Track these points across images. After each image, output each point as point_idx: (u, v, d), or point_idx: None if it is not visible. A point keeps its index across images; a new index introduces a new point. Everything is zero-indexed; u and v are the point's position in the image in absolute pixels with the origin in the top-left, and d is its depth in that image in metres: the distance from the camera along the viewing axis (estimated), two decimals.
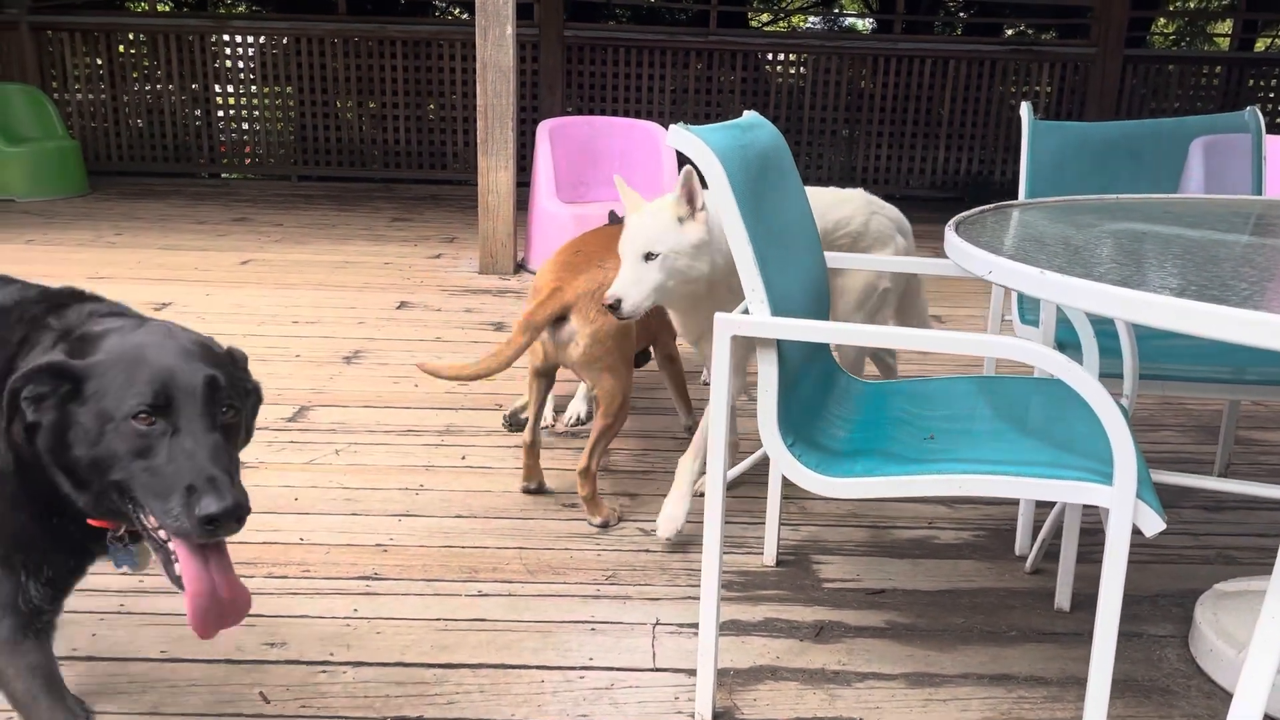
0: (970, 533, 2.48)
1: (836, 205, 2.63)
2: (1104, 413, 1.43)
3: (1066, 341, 2.32)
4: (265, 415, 3.11)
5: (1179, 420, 3.34)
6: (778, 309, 1.62)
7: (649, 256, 2.14)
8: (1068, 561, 2.12)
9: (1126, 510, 1.44)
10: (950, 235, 1.71)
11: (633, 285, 2.14)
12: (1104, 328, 2.12)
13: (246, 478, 2.75)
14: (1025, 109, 2.64)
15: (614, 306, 2.15)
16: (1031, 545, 2.34)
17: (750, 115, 1.94)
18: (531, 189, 5.53)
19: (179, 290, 4.74)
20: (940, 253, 1.85)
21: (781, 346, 1.63)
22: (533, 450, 2.60)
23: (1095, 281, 1.34)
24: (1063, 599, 2.13)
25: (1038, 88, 8.90)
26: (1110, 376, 2.18)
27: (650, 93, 8.76)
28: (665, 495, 2.52)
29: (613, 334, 2.41)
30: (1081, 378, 1.44)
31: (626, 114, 8.67)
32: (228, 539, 1.29)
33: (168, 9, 10.74)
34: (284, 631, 1.97)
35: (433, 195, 8.19)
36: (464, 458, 2.86)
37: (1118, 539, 1.45)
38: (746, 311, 1.64)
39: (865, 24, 12.42)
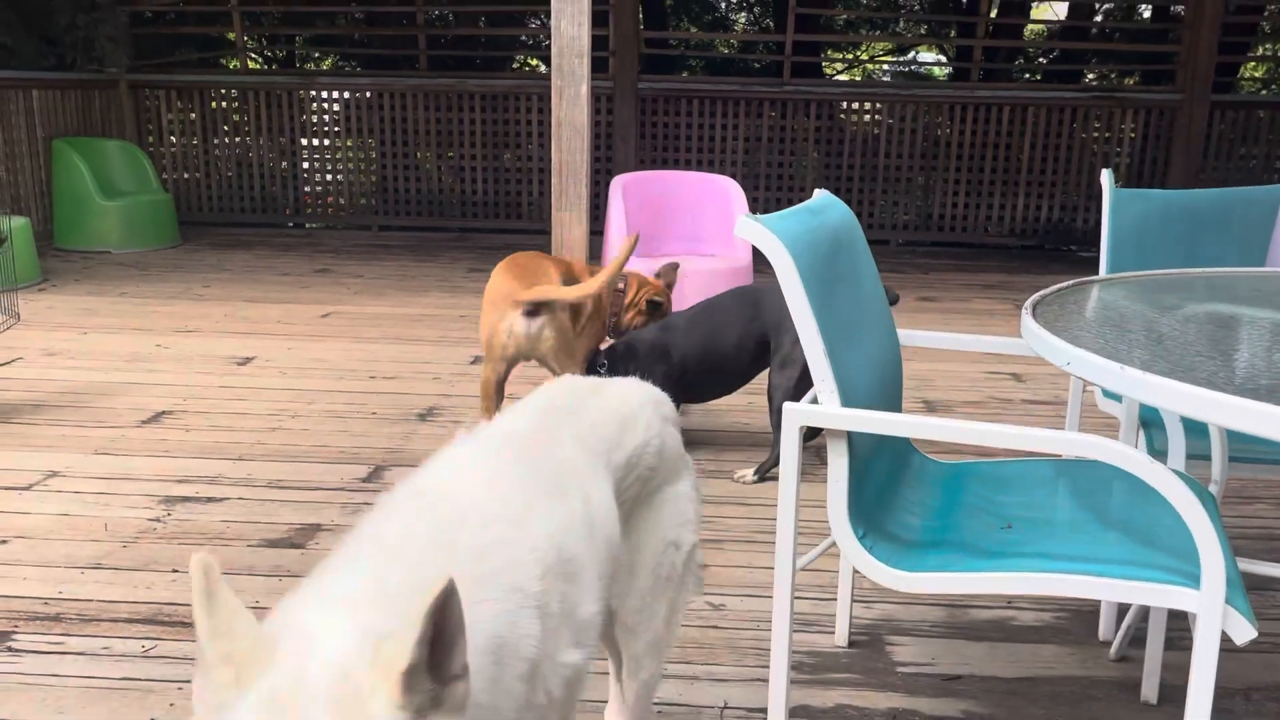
0: (1051, 614, 2.40)
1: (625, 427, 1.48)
2: (1190, 517, 1.38)
3: (1151, 419, 2.25)
4: (341, 475, 3.18)
5: (1273, 492, 3.20)
6: (848, 399, 1.60)
7: None
8: (1154, 650, 2.03)
9: (1214, 618, 1.38)
10: (1027, 320, 1.68)
11: None
12: None
13: (322, 541, 2.79)
14: (1106, 177, 2.59)
15: None
16: (1116, 630, 2.26)
17: (821, 195, 1.93)
18: (604, 243, 5.59)
19: (262, 344, 4.87)
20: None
21: (852, 435, 1.61)
22: None
23: (1180, 381, 1.30)
24: (1150, 691, 2.04)
25: (1120, 134, 8.72)
26: (1199, 459, 2.10)
27: (723, 142, 8.80)
28: (737, 566, 2.50)
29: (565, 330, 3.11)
30: (1166, 480, 1.39)
31: (699, 163, 8.73)
32: None
33: (258, 65, 11.15)
34: None
35: (507, 245, 8.25)
36: None
37: (1206, 646, 1.39)
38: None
39: (942, 72, 12.36)
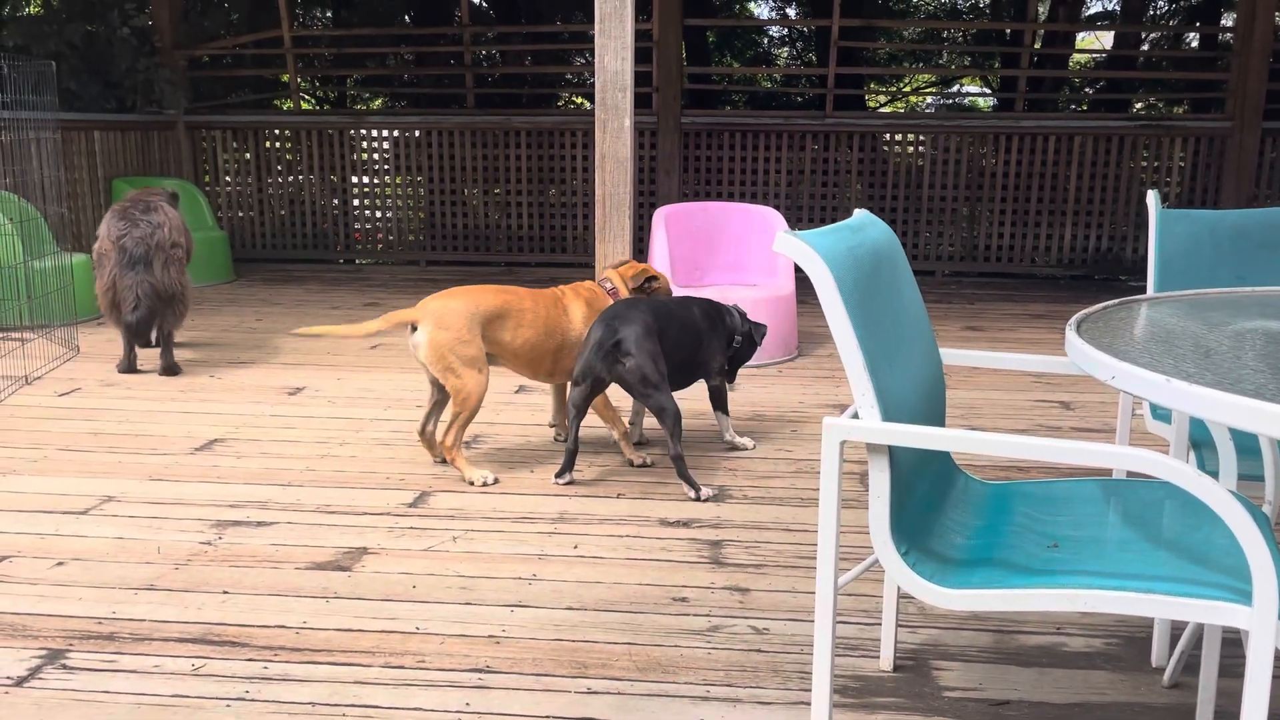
0: (1102, 640, 2.36)
1: None
2: (1240, 530, 1.36)
3: (1202, 440, 2.22)
4: (387, 500, 3.22)
5: None
6: (889, 413, 1.60)
7: None
8: (1209, 676, 1.98)
9: (1268, 636, 1.35)
10: (1071, 336, 1.67)
11: None
12: None
13: (368, 564, 2.82)
14: (1152, 197, 2.57)
15: None
16: (1169, 656, 2.21)
17: (861, 214, 1.94)
18: None
19: (312, 374, 4.95)
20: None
21: (893, 451, 1.60)
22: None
23: (1226, 392, 1.28)
24: (1205, 718, 1.99)
25: (1170, 163, 8.62)
26: (1251, 479, 2.06)
27: (766, 174, 8.84)
28: (781, 591, 2.48)
29: (448, 345, 3.30)
30: (1216, 494, 1.37)
31: (743, 195, 8.77)
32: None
33: (311, 105, 11.43)
34: None
35: (552, 278, 8.37)
36: (576, 547, 2.88)
37: (1259, 665, 1.36)
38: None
39: (986, 103, 12.32)
